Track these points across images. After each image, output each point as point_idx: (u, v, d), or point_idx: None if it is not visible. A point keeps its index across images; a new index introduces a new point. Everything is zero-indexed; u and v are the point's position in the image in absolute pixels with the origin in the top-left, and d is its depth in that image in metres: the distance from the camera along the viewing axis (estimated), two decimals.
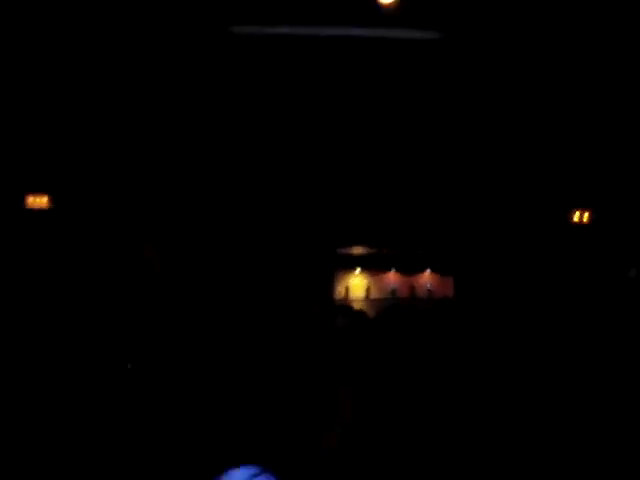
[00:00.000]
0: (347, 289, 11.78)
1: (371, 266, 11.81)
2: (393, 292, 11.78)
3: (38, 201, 7.37)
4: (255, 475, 1.26)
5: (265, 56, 5.85)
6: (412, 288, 11.77)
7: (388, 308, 10.64)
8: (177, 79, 6.26)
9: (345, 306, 10.69)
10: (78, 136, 6.87)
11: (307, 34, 5.46)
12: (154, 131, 7.16)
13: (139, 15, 5.41)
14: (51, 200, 7.33)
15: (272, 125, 7.13)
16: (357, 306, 10.79)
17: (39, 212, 7.36)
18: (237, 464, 1.37)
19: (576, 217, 9.43)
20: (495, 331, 7.56)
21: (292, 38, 5.47)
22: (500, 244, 9.77)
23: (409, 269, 11.80)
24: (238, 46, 5.68)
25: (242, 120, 6.97)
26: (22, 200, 7.37)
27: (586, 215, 9.46)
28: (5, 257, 7.03)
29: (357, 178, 8.70)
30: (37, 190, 7.33)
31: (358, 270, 11.92)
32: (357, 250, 11.30)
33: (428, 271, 11.83)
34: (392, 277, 11.99)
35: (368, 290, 11.89)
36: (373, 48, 5.79)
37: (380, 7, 5.54)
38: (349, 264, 11.64)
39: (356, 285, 11.93)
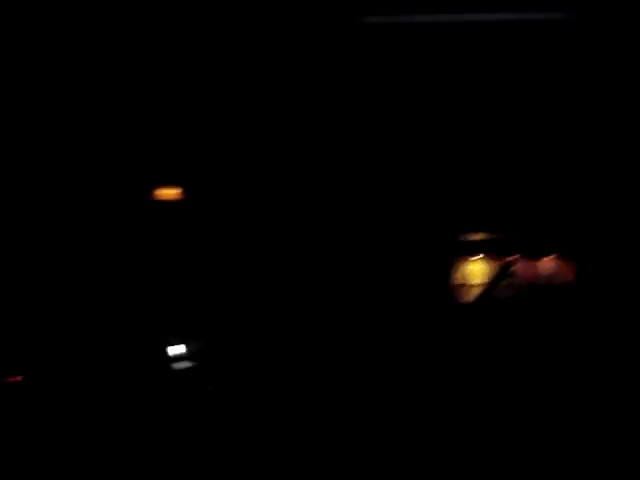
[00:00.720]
0: (466, 275, 11.57)
1: (492, 251, 11.55)
2: (515, 277, 11.45)
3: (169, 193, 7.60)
4: None
5: (398, 46, 5.77)
6: (535, 273, 11.41)
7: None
8: (309, 70, 6.27)
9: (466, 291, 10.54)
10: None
11: (441, 21, 5.32)
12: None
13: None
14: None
15: (403, 112, 7.05)
16: (477, 291, 10.61)
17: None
18: None
19: None
20: (620, 321, 7.29)
21: (426, 26, 5.36)
22: (628, 228, 9.31)
23: (532, 254, 11.46)
24: (371, 36, 5.62)
25: (371, 109, 6.92)
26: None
27: None
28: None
29: (477, 163, 8.54)
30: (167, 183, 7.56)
31: (478, 256, 11.66)
32: (478, 236, 11.07)
33: (551, 256, 11.42)
34: (514, 262, 11.65)
35: (489, 276, 11.61)
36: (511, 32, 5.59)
37: None
38: (469, 250, 11.44)
39: (476, 271, 11.68)
